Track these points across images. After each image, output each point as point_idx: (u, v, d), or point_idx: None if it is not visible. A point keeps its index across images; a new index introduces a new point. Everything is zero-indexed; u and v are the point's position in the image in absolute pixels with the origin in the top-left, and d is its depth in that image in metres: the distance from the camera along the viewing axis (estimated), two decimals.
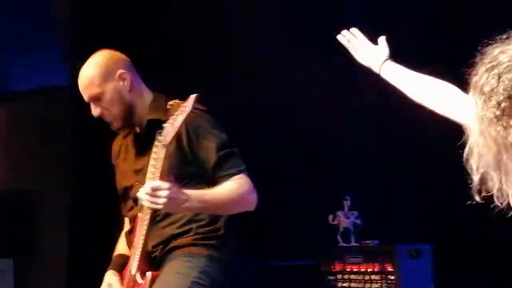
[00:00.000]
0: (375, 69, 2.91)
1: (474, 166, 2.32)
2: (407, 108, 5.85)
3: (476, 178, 2.32)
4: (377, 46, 2.96)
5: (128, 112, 3.64)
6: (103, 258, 3.93)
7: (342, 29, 3.05)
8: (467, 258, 5.50)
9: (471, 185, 2.34)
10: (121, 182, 3.78)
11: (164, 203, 3.27)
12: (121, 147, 3.83)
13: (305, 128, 5.87)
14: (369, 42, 2.99)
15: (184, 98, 3.38)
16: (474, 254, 5.51)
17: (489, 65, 2.25)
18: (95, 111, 3.64)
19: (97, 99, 3.62)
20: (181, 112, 3.28)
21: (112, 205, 4.31)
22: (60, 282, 5.68)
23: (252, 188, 3.51)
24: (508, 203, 2.32)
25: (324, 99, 5.91)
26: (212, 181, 3.50)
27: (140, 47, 5.13)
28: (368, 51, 2.98)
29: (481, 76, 2.26)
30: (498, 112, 2.23)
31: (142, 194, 3.28)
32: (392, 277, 5.05)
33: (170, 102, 3.48)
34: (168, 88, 3.72)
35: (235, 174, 3.48)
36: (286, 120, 5.88)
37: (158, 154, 3.33)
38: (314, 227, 5.56)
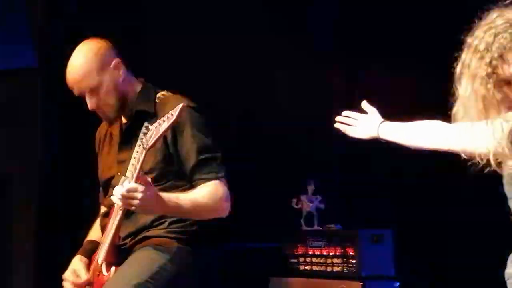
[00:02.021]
0: (374, 135, 2.87)
1: (460, 121, 2.34)
2: (372, 93, 5.91)
3: None
4: (367, 114, 2.93)
5: (123, 102, 3.55)
6: (73, 243, 3.86)
7: None
8: (428, 243, 5.51)
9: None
10: (104, 171, 3.71)
11: (138, 205, 3.22)
12: (106, 135, 3.74)
13: (270, 111, 5.84)
14: (360, 116, 2.96)
15: (170, 88, 3.34)
16: (435, 239, 5.52)
17: (486, 26, 2.28)
18: (91, 104, 3.52)
19: (92, 91, 3.50)
20: (167, 119, 3.20)
21: (82, 188, 4.25)
22: (28, 266, 5.58)
23: (227, 196, 3.46)
24: (488, 160, 2.34)
25: (289, 83, 5.88)
26: (190, 182, 3.46)
27: (113, 26, 5.01)
28: (363, 124, 2.93)
29: (477, 36, 2.27)
30: (489, 70, 2.24)
31: (117, 193, 3.23)
32: (354, 261, 4.99)
33: (159, 94, 3.42)
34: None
35: (211, 180, 3.43)
36: (251, 104, 5.83)
37: (138, 156, 3.27)
38: (278, 210, 5.51)
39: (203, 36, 5.67)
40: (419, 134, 2.69)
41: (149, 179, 3.26)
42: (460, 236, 5.42)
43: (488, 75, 2.25)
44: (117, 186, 3.25)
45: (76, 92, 3.55)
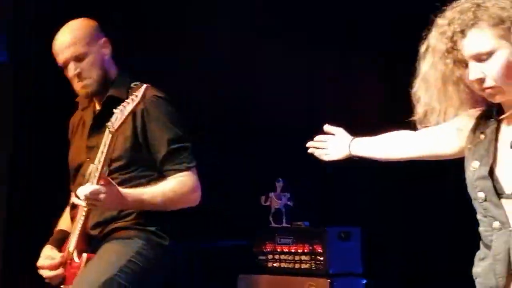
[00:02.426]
0: (346, 154, 2.87)
1: (420, 97, 2.35)
2: (338, 92, 5.94)
3: (420, 109, 2.35)
4: (334, 135, 2.93)
5: (104, 80, 3.58)
6: (42, 231, 3.84)
7: None
8: (395, 241, 5.55)
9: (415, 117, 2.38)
10: (74, 157, 3.70)
11: (101, 205, 3.25)
12: (79, 122, 3.75)
13: (241, 109, 5.83)
14: (329, 138, 2.95)
15: (147, 80, 3.34)
16: (403, 237, 5.56)
17: (454, 8, 2.29)
18: (74, 69, 3.55)
19: (79, 59, 3.55)
20: (131, 100, 3.22)
21: (54, 184, 4.21)
22: None
23: (196, 187, 3.48)
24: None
25: (259, 81, 5.88)
26: (160, 172, 3.46)
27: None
28: (333, 145, 2.91)
29: (444, 16, 2.30)
30: (450, 45, 2.26)
31: (81, 194, 3.24)
32: (321, 258, 5.00)
33: (133, 84, 3.43)
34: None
35: (182, 170, 3.44)
36: (222, 101, 5.82)
37: (105, 140, 3.28)
38: (246, 208, 5.50)
39: (175, 31, 5.65)
40: (389, 146, 2.70)
41: (111, 180, 3.27)
42: (428, 234, 5.46)
43: (448, 50, 2.25)
44: (80, 188, 3.27)
45: (61, 59, 3.58)
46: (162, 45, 5.61)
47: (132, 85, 3.38)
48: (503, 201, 2.27)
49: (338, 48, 5.76)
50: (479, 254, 2.39)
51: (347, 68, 5.89)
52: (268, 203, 5.44)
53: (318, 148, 2.96)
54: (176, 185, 3.43)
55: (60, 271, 3.51)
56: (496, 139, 2.34)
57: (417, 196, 5.49)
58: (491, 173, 2.29)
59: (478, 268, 2.37)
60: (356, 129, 5.43)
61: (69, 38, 3.56)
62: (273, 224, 5.41)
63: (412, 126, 2.47)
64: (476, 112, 2.39)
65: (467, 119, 2.38)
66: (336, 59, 5.83)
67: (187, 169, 3.46)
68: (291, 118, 5.94)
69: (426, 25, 2.36)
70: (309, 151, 3.02)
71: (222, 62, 5.72)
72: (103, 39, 3.62)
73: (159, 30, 5.63)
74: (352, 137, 2.87)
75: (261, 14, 5.78)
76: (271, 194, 5.44)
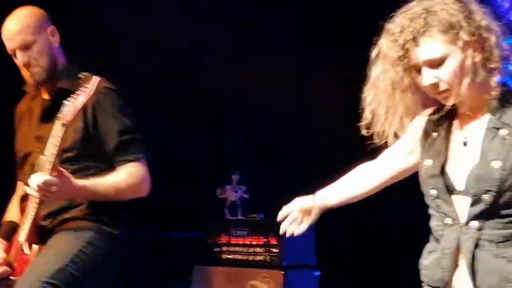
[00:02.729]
0: (316, 209, 2.81)
1: (369, 102, 2.36)
2: (298, 86, 5.95)
3: (369, 114, 2.36)
4: (296, 205, 2.83)
5: (53, 68, 3.55)
6: None
7: None
8: (349, 233, 5.58)
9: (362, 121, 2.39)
10: (21, 147, 3.66)
11: (53, 196, 3.22)
12: (27, 110, 3.70)
13: (199, 103, 5.82)
14: (291, 206, 2.88)
15: (96, 73, 3.31)
16: (356, 229, 5.59)
17: (404, 13, 2.30)
18: (22, 58, 3.51)
19: (27, 47, 3.51)
20: (82, 93, 3.19)
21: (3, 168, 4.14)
22: None
23: (146, 177, 3.47)
24: (386, 142, 2.38)
25: (219, 74, 5.87)
26: (110, 163, 3.44)
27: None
28: (300, 212, 2.87)
29: (394, 21, 2.30)
30: (401, 53, 2.27)
31: (33, 184, 3.20)
32: (276, 250, 5.03)
33: (81, 75, 3.39)
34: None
35: (131, 161, 3.43)
36: (180, 93, 5.80)
37: (56, 132, 3.25)
38: (202, 200, 5.51)
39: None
40: (355, 185, 2.66)
41: (64, 170, 3.24)
42: (382, 226, 5.51)
43: (400, 58, 2.27)
44: (32, 177, 3.24)
45: (9, 46, 3.54)
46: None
47: (80, 75, 3.35)
48: (455, 197, 2.30)
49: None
50: (428, 248, 2.41)
51: (307, 66, 5.91)
52: (224, 196, 5.45)
53: (290, 224, 2.88)
54: (126, 176, 3.43)
55: (4, 268, 3.47)
56: (448, 138, 2.37)
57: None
58: (443, 171, 2.33)
59: (426, 261, 2.40)
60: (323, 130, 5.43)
61: (17, 26, 3.52)
62: (229, 216, 5.42)
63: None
64: (427, 113, 2.41)
65: (417, 123, 2.41)
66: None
67: (136, 159, 3.46)
68: (247, 112, 5.95)
69: None
70: (282, 232, 2.94)
71: (174, 55, 5.71)
72: (51, 28, 3.59)
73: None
74: (312, 195, 2.82)
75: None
76: (227, 187, 5.45)
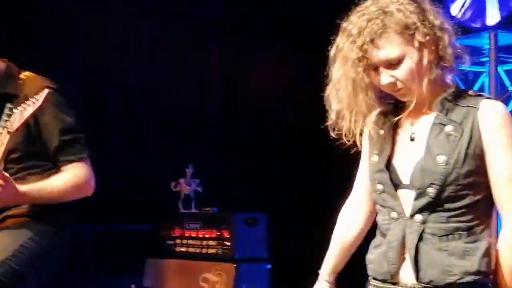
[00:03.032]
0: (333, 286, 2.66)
1: (332, 104, 2.38)
2: (248, 81, 5.98)
3: (333, 115, 2.38)
4: None
5: None
6: None
7: None
8: (299, 226, 5.62)
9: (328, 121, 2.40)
10: None
11: None
12: None
13: (151, 95, 5.81)
14: None
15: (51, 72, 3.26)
16: (306, 222, 5.63)
17: (360, 12, 2.31)
18: None
19: None
20: (32, 104, 3.13)
21: None
22: None
23: (90, 177, 3.42)
24: (354, 142, 2.40)
25: (171, 69, 5.87)
26: (53, 163, 3.40)
27: None
28: None
29: (351, 21, 2.32)
30: (360, 54, 2.29)
31: None
32: (228, 243, 5.05)
33: (22, 75, 3.34)
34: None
35: (74, 161, 3.39)
36: (132, 87, 5.78)
37: (2, 139, 3.19)
38: (156, 193, 5.49)
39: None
40: (350, 240, 2.59)
41: (8, 175, 3.20)
42: (331, 220, 5.55)
43: (359, 59, 2.29)
44: None
45: None
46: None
47: (21, 76, 3.30)
48: (401, 191, 2.32)
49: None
50: (374, 242, 2.42)
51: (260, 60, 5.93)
52: (177, 189, 5.45)
53: None
54: (70, 176, 3.38)
55: None
56: (395, 134, 2.40)
57: (323, 183, 5.57)
58: (389, 165, 2.35)
59: (372, 255, 2.40)
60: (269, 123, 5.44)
61: None
62: (182, 210, 5.42)
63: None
64: (375, 112, 2.43)
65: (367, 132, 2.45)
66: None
67: (79, 159, 3.41)
68: (202, 106, 5.96)
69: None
70: None
71: (127, 51, 5.69)
72: None
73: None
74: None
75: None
76: (181, 180, 5.45)
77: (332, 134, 2.39)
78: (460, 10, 5.14)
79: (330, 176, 5.39)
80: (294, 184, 5.73)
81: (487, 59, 5.14)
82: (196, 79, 5.90)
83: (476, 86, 5.32)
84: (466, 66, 5.37)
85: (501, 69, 5.18)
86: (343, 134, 2.39)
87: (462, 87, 4.44)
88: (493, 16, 4.98)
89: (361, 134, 2.40)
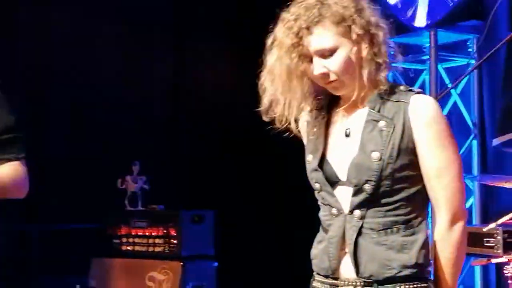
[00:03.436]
0: None
1: (266, 89, 2.40)
2: (196, 79, 5.99)
3: (266, 100, 2.39)
4: None
5: None
6: None
7: None
8: (246, 224, 5.65)
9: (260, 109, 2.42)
10: None
11: None
12: None
13: (96, 92, 5.76)
14: None
15: None
16: (253, 220, 5.66)
17: (299, 3, 2.34)
18: None
19: None
20: None
21: None
22: None
23: (25, 177, 3.37)
24: (287, 127, 2.40)
25: (116, 65, 5.84)
26: None
27: None
28: None
29: (290, 11, 2.34)
30: (295, 40, 2.31)
31: None
32: (175, 241, 5.05)
33: None
34: None
35: (12, 160, 3.36)
36: (76, 84, 5.74)
37: None
38: (102, 191, 5.45)
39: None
40: None
41: None
42: (279, 217, 5.60)
43: (294, 45, 2.30)
44: None
45: None
46: None
47: None
48: (339, 187, 2.33)
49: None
50: (317, 238, 2.44)
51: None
52: (124, 186, 5.42)
53: None
54: (5, 175, 3.35)
55: None
56: (329, 130, 2.41)
57: (269, 180, 5.61)
58: (324, 163, 2.37)
59: (315, 250, 2.42)
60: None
61: None
62: (129, 207, 5.40)
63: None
64: (308, 109, 2.46)
65: (303, 127, 2.48)
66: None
67: (16, 159, 3.38)
68: (148, 102, 5.94)
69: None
70: None
71: (72, 52, 5.65)
72: None
73: None
74: None
75: None
76: (127, 178, 5.43)
77: (265, 118, 2.39)
78: (402, 8, 5.22)
79: (276, 173, 5.43)
80: (240, 181, 5.75)
81: (427, 57, 5.23)
82: (142, 76, 5.88)
83: (417, 84, 5.42)
84: (408, 64, 5.51)
85: (441, 67, 5.27)
86: (277, 120, 2.39)
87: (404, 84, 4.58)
88: (424, 16, 5.07)
89: (296, 121, 2.41)
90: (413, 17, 5.18)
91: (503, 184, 3.65)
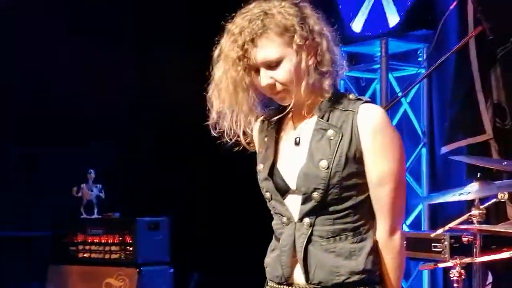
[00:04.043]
0: None
1: (214, 103, 2.43)
2: (155, 88, 6.01)
3: (214, 113, 2.42)
4: None
5: None
6: None
7: None
8: (201, 230, 5.68)
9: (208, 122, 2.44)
10: None
11: None
12: None
13: (53, 99, 5.74)
14: None
15: None
16: (208, 226, 5.70)
17: (243, 14, 2.37)
18: None
19: None
20: None
21: None
22: None
23: None
24: (236, 141, 2.43)
25: (72, 70, 5.83)
26: None
27: None
28: None
29: (235, 22, 2.37)
30: (241, 53, 2.34)
31: None
32: (131, 248, 5.09)
33: None
34: None
35: None
36: (33, 90, 5.72)
37: None
38: (58, 198, 5.44)
39: None
40: None
41: None
42: (233, 223, 5.64)
43: (239, 58, 2.32)
44: None
45: None
46: None
47: None
48: (290, 196, 2.36)
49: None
50: (270, 246, 2.47)
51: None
52: (79, 194, 5.44)
53: None
54: None
55: None
56: (279, 139, 2.44)
57: (224, 186, 5.65)
58: (275, 173, 2.40)
59: (268, 259, 2.45)
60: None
61: None
62: (85, 215, 5.42)
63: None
64: (260, 119, 2.50)
65: (256, 136, 2.51)
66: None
67: None
68: (103, 110, 5.94)
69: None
70: None
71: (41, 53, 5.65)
72: None
73: None
74: None
75: None
76: (83, 185, 5.44)
77: (213, 133, 2.42)
78: (354, 18, 5.30)
79: (232, 181, 5.47)
80: (195, 188, 5.79)
81: (378, 66, 5.32)
82: (102, 85, 5.88)
83: (369, 92, 5.49)
84: (359, 73, 5.60)
85: (391, 76, 5.36)
86: (225, 133, 2.41)
87: (356, 92, 4.67)
88: (391, 21, 5.15)
89: (244, 134, 2.42)
90: (365, 26, 5.25)
91: (452, 199, 3.76)
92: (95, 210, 5.43)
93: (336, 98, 2.39)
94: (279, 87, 2.35)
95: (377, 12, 5.21)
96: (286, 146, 2.44)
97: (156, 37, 5.97)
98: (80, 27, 5.78)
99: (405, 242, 2.46)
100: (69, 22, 5.74)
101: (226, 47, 2.36)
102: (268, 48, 2.32)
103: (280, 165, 2.43)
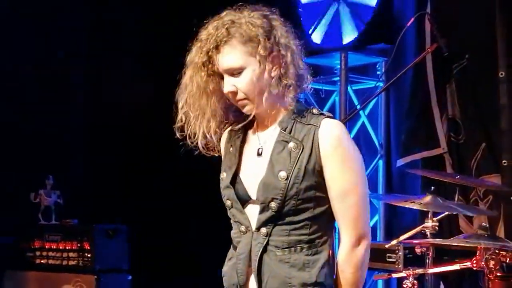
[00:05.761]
0: None
1: (179, 106, 2.49)
2: (114, 94, 6.04)
3: (179, 116, 2.49)
4: None
5: None
6: None
7: None
8: (159, 237, 5.71)
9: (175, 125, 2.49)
10: None
11: None
12: None
13: (11, 104, 5.69)
14: None
15: None
16: (166, 233, 5.73)
17: (214, 22, 2.44)
18: None
19: None
20: None
21: None
22: None
23: None
24: (197, 144, 2.50)
25: (32, 77, 5.83)
26: None
27: None
28: None
29: (207, 28, 2.44)
30: (205, 59, 2.42)
31: None
32: (89, 255, 5.10)
33: None
34: None
35: None
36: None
37: None
38: (16, 204, 5.45)
39: None
40: None
41: None
42: (192, 231, 5.68)
43: (204, 64, 2.41)
44: None
45: None
46: None
47: None
48: (250, 206, 2.42)
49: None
50: (228, 255, 2.53)
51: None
52: (37, 200, 5.44)
53: None
54: None
55: None
56: (243, 149, 2.51)
57: (183, 193, 5.69)
58: (237, 181, 2.46)
59: (225, 267, 2.51)
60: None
61: None
62: (42, 221, 5.42)
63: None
64: (228, 128, 2.56)
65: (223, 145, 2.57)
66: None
67: None
68: (63, 116, 5.95)
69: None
70: None
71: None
72: None
73: None
74: None
75: None
76: (41, 191, 5.44)
77: (178, 135, 2.49)
78: (314, 30, 5.38)
79: (191, 189, 5.52)
80: (154, 196, 5.82)
81: (338, 78, 5.40)
82: (56, 90, 5.90)
83: (328, 104, 5.58)
84: (319, 85, 5.68)
85: (350, 89, 5.46)
86: (187, 136, 2.48)
87: (315, 104, 4.77)
88: (348, 35, 5.23)
89: (205, 137, 2.48)
90: (325, 39, 5.34)
91: (404, 204, 3.86)
92: (53, 217, 5.43)
93: (300, 111, 2.45)
94: (240, 95, 2.42)
95: (337, 25, 5.30)
96: (249, 156, 2.51)
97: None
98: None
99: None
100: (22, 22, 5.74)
101: (193, 53, 2.45)
102: (231, 56, 2.40)
103: (242, 175, 2.49)
